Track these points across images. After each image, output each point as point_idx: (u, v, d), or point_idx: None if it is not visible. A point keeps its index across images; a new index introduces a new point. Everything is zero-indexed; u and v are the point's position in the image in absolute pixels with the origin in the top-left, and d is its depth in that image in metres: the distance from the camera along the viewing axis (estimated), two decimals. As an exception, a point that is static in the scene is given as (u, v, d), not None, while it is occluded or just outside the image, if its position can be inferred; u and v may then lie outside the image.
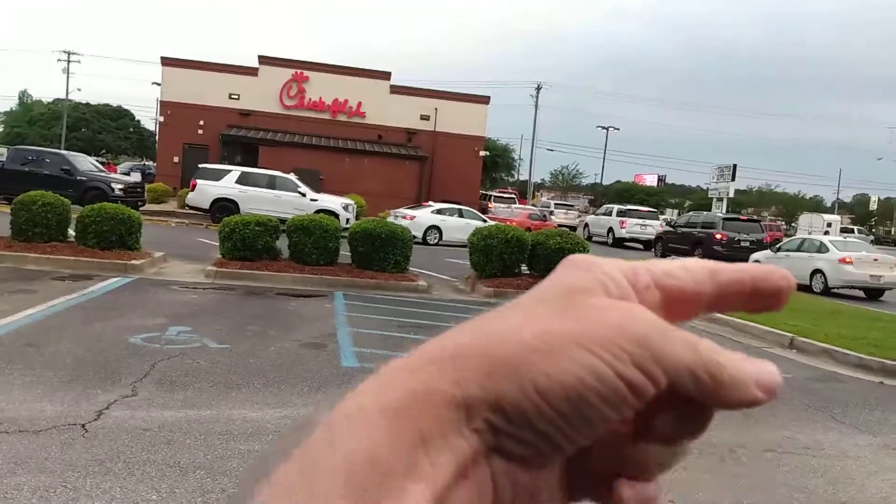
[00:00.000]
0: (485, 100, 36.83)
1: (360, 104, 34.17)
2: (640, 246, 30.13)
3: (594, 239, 30.37)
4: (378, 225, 12.66)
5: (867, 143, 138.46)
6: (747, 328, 10.61)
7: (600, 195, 70.83)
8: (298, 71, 33.95)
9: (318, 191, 23.45)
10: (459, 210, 23.68)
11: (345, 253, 12.61)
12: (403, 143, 34.38)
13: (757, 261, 20.46)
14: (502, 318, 0.31)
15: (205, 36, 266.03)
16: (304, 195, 21.82)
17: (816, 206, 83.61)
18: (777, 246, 20.96)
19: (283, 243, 12.37)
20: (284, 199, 21.52)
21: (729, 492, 4.62)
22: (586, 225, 34.10)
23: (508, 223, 18.96)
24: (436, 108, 34.92)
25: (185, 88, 32.61)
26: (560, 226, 22.63)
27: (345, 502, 0.26)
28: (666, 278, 0.33)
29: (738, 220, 26.38)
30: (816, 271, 18.03)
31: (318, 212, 17.30)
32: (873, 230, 70.84)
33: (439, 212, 23.21)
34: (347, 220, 20.51)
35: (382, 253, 12.30)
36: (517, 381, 0.29)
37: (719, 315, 11.29)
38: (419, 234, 20.72)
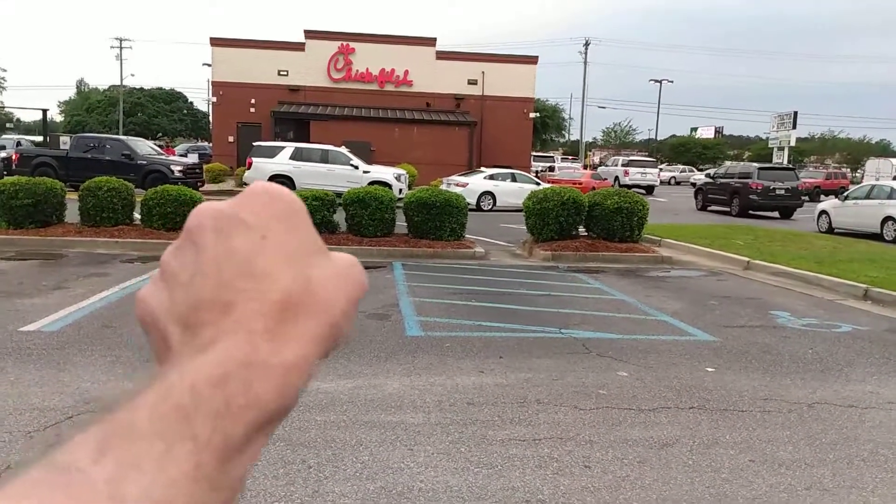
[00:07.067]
0: (533, 60, 36.10)
1: (406, 72, 33.99)
2: (643, 191, 33.60)
3: None
4: (432, 194, 12.64)
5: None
6: (819, 280, 10.27)
7: (655, 150, 69.18)
8: (344, 43, 33.90)
9: (369, 162, 23.54)
10: (512, 174, 23.45)
11: (401, 223, 12.65)
12: (452, 109, 34.11)
13: (824, 211, 19.77)
14: None
15: (250, 14, 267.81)
16: (356, 167, 21.93)
17: (884, 150, 79.58)
18: (845, 194, 20.15)
19: (339, 216, 12.49)
20: (337, 173, 21.63)
21: (810, 448, 4.50)
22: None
23: (572, 185, 18.71)
24: (483, 72, 34.47)
25: (234, 68, 32.98)
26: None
27: None
28: None
29: (773, 168, 26.22)
30: (888, 219, 17.28)
31: (371, 183, 17.39)
32: (947, 172, 67.24)
33: (492, 177, 23.02)
34: (401, 190, 20.55)
35: (438, 221, 12.31)
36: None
37: (791, 269, 10.94)
38: (473, 201, 20.63)
